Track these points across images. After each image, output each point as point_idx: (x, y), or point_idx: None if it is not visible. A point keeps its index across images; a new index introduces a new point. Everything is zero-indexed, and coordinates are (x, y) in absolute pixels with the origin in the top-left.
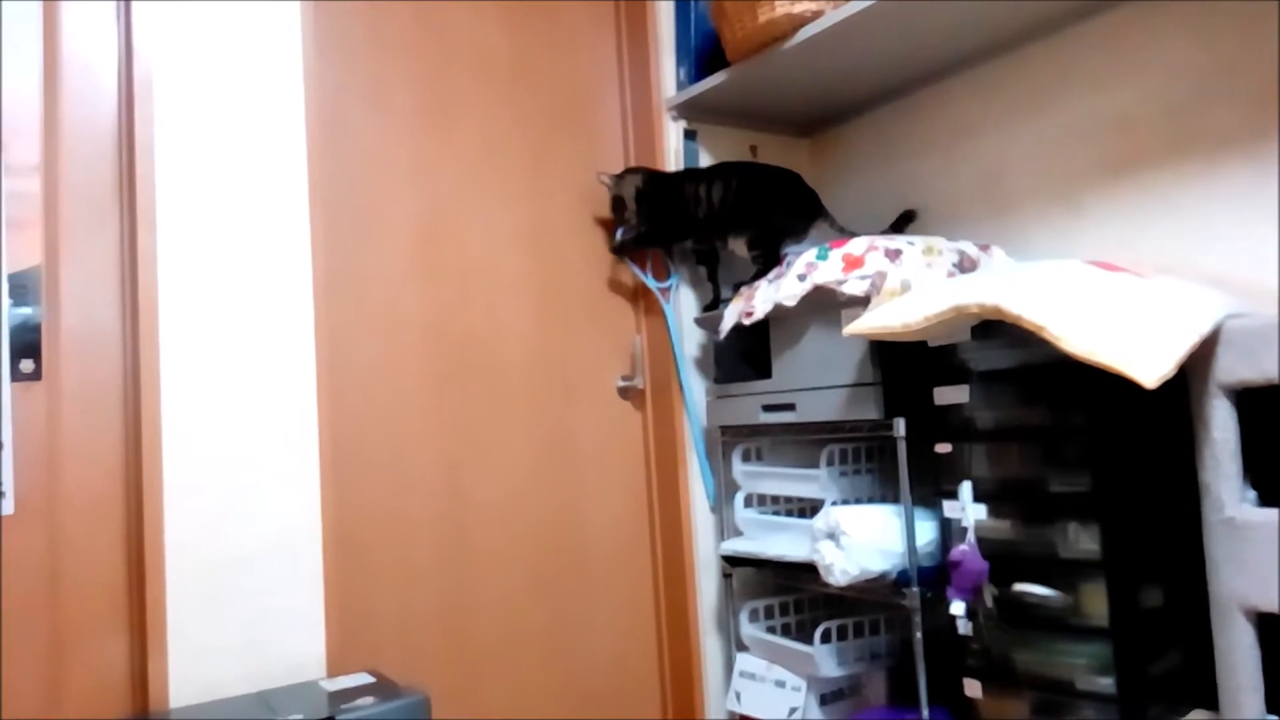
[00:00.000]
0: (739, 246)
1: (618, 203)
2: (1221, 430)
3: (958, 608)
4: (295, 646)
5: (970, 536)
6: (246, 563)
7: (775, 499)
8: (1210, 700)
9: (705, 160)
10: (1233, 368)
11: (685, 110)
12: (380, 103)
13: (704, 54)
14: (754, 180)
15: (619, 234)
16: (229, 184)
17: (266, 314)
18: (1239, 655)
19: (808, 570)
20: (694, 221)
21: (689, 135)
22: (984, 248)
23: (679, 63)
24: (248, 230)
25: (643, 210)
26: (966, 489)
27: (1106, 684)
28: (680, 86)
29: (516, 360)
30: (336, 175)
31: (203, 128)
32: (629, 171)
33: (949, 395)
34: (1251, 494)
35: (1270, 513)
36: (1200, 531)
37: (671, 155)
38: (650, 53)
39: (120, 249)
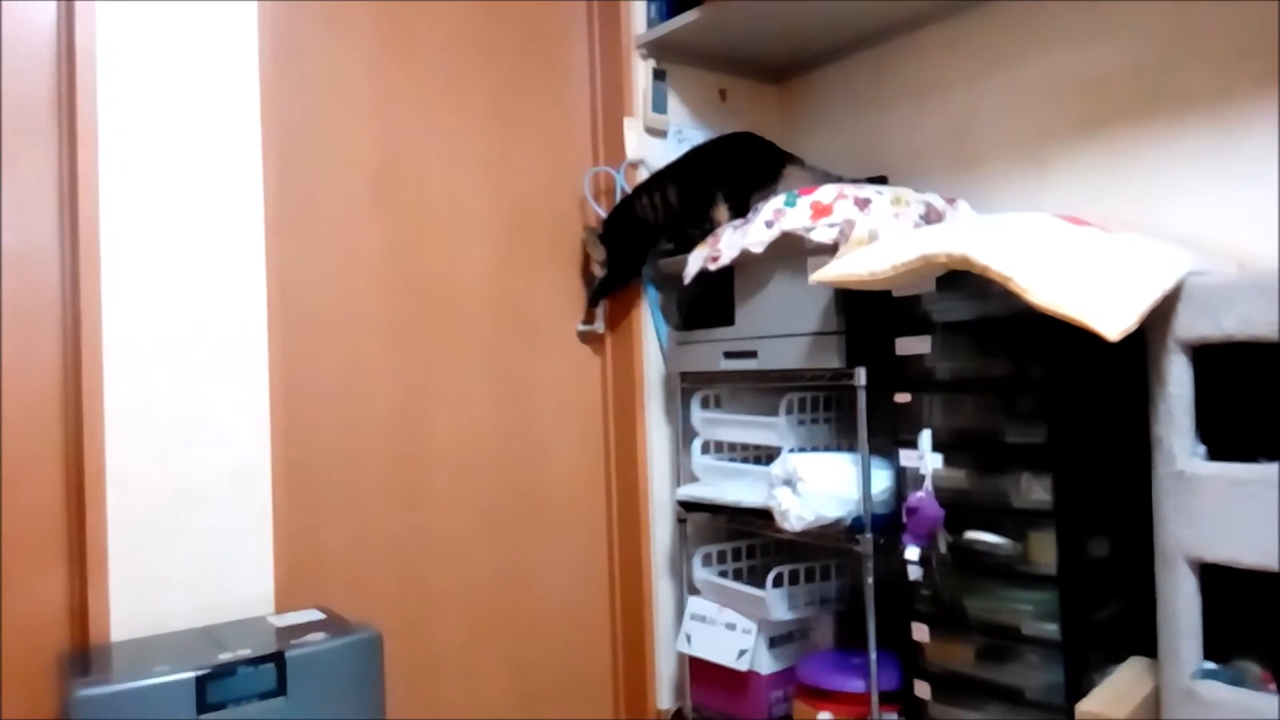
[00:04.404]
0: (721, 214)
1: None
2: (1177, 385)
3: (912, 553)
4: (243, 581)
5: (928, 484)
6: (193, 494)
7: (732, 446)
8: (1150, 648)
9: (673, 102)
10: (1192, 324)
11: (655, 49)
12: (339, 26)
13: None
14: (698, 159)
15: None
16: (177, 101)
17: (215, 240)
18: (1181, 603)
19: (762, 516)
20: (657, 229)
21: (658, 75)
22: (950, 201)
23: None
24: (195, 150)
25: (609, 249)
26: (926, 437)
27: (1051, 630)
28: (651, 24)
29: (475, 299)
30: (291, 98)
31: (150, 40)
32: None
33: (911, 346)
34: (1201, 448)
35: (1218, 466)
36: (1149, 484)
37: (640, 95)
38: None
39: (59, 166)
